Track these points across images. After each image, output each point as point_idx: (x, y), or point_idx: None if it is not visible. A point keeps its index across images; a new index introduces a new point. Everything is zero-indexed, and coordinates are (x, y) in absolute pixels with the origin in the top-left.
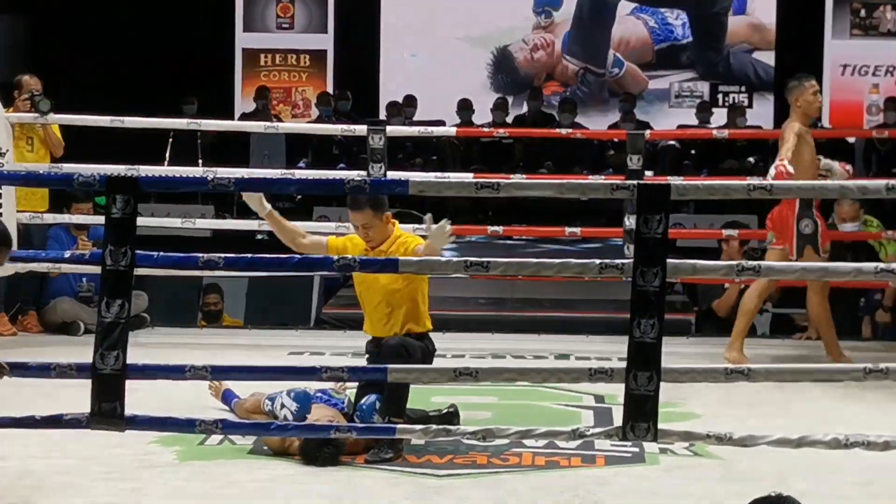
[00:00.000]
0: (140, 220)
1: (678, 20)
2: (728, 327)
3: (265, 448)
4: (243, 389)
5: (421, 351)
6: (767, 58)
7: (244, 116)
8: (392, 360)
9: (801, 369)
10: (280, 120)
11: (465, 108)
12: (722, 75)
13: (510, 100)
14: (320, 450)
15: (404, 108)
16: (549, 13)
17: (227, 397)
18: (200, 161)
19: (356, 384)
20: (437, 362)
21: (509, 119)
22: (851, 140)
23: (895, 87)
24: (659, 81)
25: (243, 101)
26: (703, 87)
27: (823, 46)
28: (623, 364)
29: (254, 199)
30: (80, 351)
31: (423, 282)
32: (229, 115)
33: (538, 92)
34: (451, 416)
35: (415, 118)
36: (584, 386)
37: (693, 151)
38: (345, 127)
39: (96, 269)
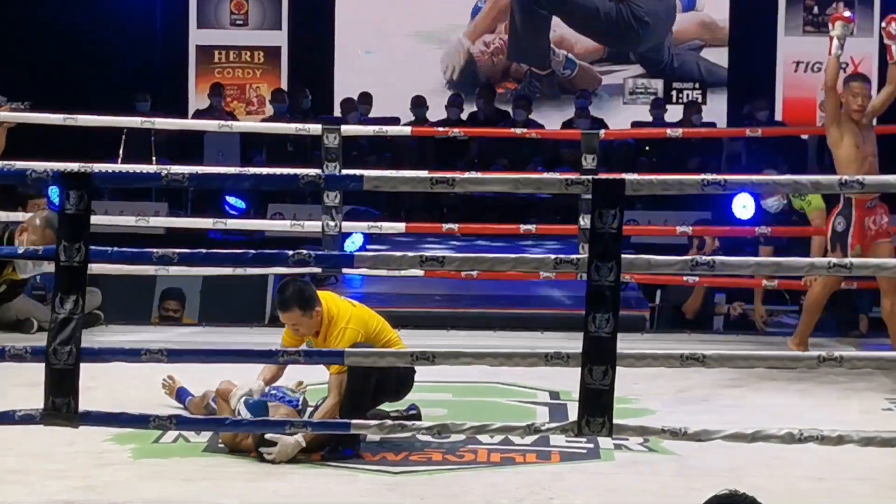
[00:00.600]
0: (93, 219)
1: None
2: (691, 328)
3: (220, 445)
4: (197, 387)
5: (395, 373)
6: (715, 56)
7: (198, 114)
8: (356, 380)
9: (755, 356)
10: (234, 117)
11: (419, 104)
12: (669, 74)
13: (463, 96)
14: (270, 443)
15: (360, 106)
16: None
17: (181, 395)
18: (154, 159)
19: (316, 385)
20: None
21: (464, 116)
22: (804, 137)
23: None
24: (612, 77)
25: (197, 98)
26: (657, 84)
27: (776, 43)
28: (579, 347)
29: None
30: None
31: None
32: (183, 112)
33: (489, 90)
34: (412, 417)
35: (370, 115)
36: (539, 382)
37: (647, 148)
38: (299, 126)
39: (49, 267)
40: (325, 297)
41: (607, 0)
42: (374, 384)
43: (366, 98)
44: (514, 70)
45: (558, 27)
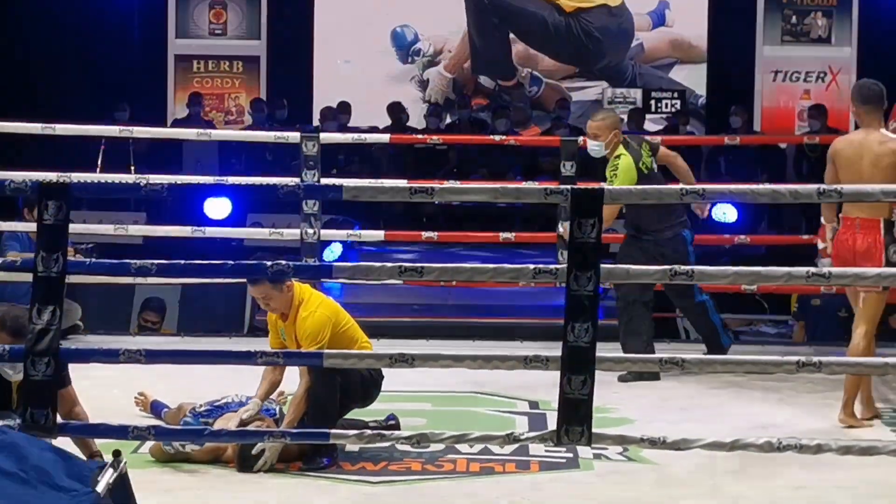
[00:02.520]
0: (72, 227)
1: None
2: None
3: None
4: (172, 399)
5: (359, 375)
6: (688, 73)
7: (177, 123)
8: (321, 385)
9: (734, 360)
10: (213, 127)
11: (397, 111)
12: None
13: (441, 105)
14: (255, 457)
15: (339, 115)
16: (417, 51)
17: (156, 409)
18: (133, 168)
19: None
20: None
21: (442, 125)
22: (783, 146)
23: (826, 93)
24: (583, 93)
25: (176, 107)
26: (636, 94)
27: (755, 53)
28: (558, 352)
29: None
30: None
31: (340, 339)
32: (162, 121)
33: (466, 100)
34: (391, 427)
35: (349, 124)
36: (519, 392)
37: None
38: (278, 134)
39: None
40: (299, 285)
41: (556, 14)
42: (338, 389)
43: (344, 107)
44: (483, 85)
45: (518, 43)
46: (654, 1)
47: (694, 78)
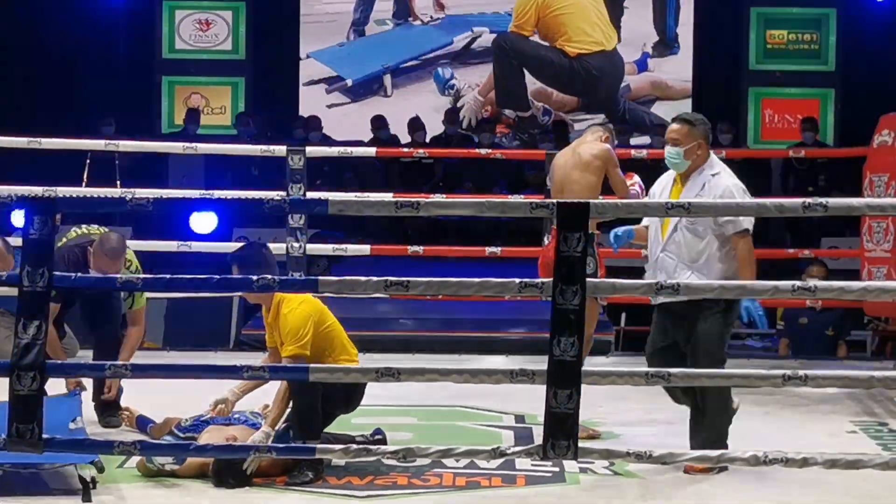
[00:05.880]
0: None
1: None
2: None
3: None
4: (158, 414)
5: (342, 385)
6: (660, 109)
7: (171, 137)
8: (301, 394)
9: (719, 374)
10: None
11: (379, 126)
12: (624, 121)
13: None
14: (230, 471)
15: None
16: (452, 86)
17: (141, 423)
18: (119, 182)
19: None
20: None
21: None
22: (770, 160)
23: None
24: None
25: (163, 120)
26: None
27: (741, 67)
28: (544, 366)
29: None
30: None
31: (322, 339)
32: (148, 135)
33: (455, 114)
34: (378, 442)
35: (337, 139)
36: (505, 406)
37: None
38: (264, 148)
39: None
40: None
41: (562, 56)
42: (320, 396)
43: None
44: (505, 118)
45: (535, 83)
46: (640, 52)
47: (672, 111)
